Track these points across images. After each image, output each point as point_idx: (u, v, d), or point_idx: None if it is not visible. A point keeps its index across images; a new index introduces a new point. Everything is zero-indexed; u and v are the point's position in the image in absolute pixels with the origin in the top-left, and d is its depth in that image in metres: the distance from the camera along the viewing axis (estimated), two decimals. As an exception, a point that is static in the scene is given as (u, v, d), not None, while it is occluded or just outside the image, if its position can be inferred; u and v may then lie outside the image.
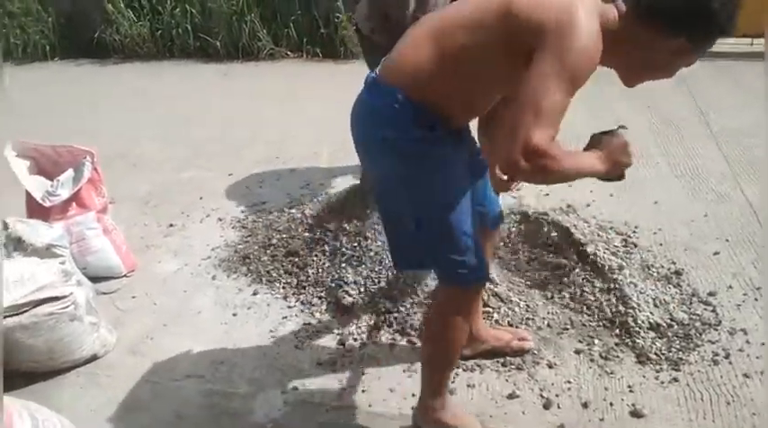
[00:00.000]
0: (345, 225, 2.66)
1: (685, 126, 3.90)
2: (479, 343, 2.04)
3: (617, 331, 2.16)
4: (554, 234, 2.57)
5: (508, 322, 2.23)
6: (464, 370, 2.03)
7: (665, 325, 2.14)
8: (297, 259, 2.61)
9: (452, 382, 1.99)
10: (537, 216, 2.67)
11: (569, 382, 1.98)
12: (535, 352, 2.10)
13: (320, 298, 2.42)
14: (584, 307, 2.27)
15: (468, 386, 1.98)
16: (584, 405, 1.89)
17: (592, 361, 2.06)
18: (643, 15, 1.32)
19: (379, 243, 2.52)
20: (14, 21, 6.46)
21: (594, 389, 1.95)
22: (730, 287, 2.36)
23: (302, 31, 5.97)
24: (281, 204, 3.16)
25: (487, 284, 1.99)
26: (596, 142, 1.44)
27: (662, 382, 1.96)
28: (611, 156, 1.40)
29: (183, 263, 2.78)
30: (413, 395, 1.96)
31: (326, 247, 2.60)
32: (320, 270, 2.53)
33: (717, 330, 2.14)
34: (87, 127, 4.41)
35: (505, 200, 2.32)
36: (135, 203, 3.33)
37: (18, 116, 4.65)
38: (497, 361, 2.06)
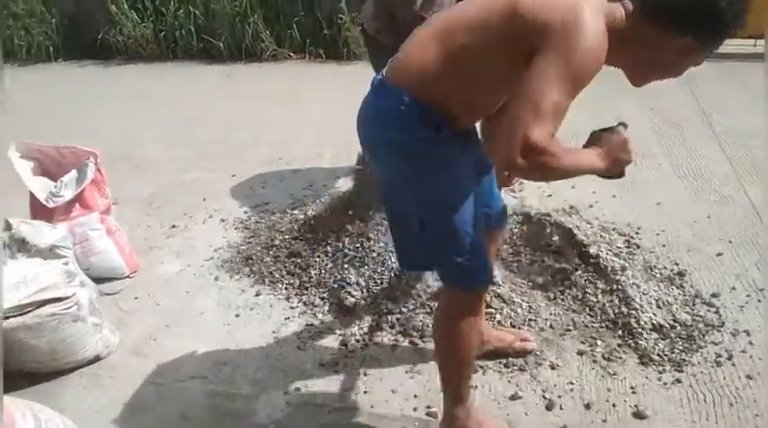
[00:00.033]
0: (348, 226, 2.66)
1: (688, 127, 3.89)
2: (482, 345, 2.04)
3: (620, 332, 2.16)
4: (556, 235, 2.57)
5: (510, 323, 2.23)
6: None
7: (667, 326, 2.13)
8: (299, 260, 2.62)
9: (455, 383, 1.99)
10: (539, 217, 2.67)
11: (572, 383, 1.98)
12: (538, 353, 2.10)
13: (323, 298, 2.43)
14: (587, 309, 2.27)
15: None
16: (587, 407, 1.89)
17: (594, 362, 2.06)
18: (650, 14, 1.32)
19: (382, 244, 2.52)
20: (18, 22, 6.47)
21: (597, 390, 1.95)
22: (733, 288, 2.36)
23: (305, 33, 5.97)
24: (283, 205, 3.16)
25: (490, 285, 1.99)
26: (596, 139, 1.44)
27: (665, 383, 1.96)
28: (611, 153, 1.40)
29: (185, 263, 2.78)
30: (415, 396, 1.96)
31: (329, 248, 2.61)
32: (323, 271, 2.53)
33: (720, 331, 2.14)
34: (91, 128, 4.42)
35: (508, 201, 2.31)
36: (138, 204, 3.34)
37: (21, 117, 4.67)
38: (500, 362, 2.06)
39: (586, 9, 1.25)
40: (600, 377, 2.00)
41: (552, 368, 2.04)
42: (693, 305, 2.25)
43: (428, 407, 1.91)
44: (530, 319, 2.25)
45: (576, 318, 2.24)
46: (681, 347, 2.07)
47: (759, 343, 2.08)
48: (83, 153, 2.63)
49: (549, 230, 2.60)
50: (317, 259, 2.59)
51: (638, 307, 2.19)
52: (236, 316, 2.41)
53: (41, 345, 2.03)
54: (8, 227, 2.29)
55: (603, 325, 2.20)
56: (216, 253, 2.84)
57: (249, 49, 6.04)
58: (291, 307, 2.42)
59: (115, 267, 2.67)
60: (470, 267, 1.54)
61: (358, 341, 2.21)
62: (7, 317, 1.95)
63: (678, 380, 1.96)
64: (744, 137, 3.64)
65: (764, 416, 1.81)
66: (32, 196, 2.57)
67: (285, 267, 2.62)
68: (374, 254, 2.49)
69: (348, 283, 2.41)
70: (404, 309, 2.29)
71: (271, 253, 2.72)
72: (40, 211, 2.55)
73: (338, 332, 2.26)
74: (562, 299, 2.33)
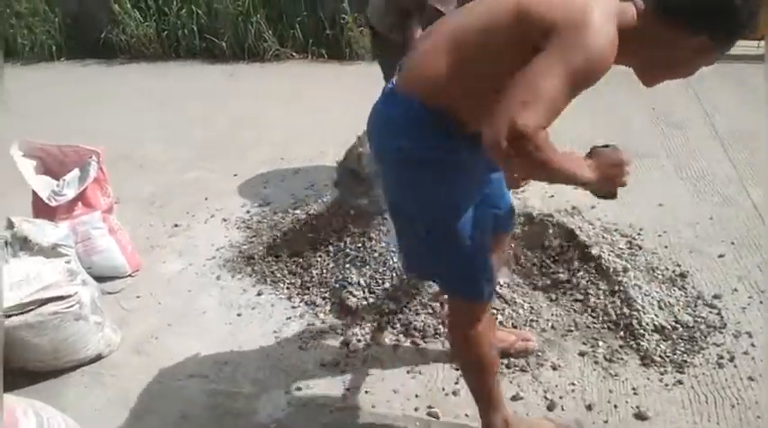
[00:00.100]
0: (350, 226, 2.66)
1: (691, 128, 3.89)
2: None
3: (621, 333, 2.15)
4: (558, 236, 2.57)
5: (512, 324, 2.23)
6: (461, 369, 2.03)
7: (669, 327, 2.13)
8: (301, 260, 2.62)
9: (456, 383, 1.99)
10: (542, 217, 2.67)
11: (573, 384, 1.98)
12: (539, 353, 2.10)
13: (324, 298, 2.43)
14: (589, 310, 2.27)
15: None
16: (589, 408, 1.89)
17: (596, 363, 2.06)
18: (663, 13, 1.30)
19: (383, 244, 2.52)
20: (22, 21, 6.48)
21: (599, 391, 1.95)
22: (735, 290, 2.35)
23: (308, 32, 5.97)
24: (285, 205, 3.17)
25: (492, 296, 1.94)
26: (593, 154, 1.41)
27: (666, 385, 1.95)
28: (603, 168, 1.36)
29: (187, 263, 2.78)
30: (416, 396, 1.96)
31: (331, 248, 2.61)
32: (324, 270, 2.53)
33: (722, 333, 2.14)
34: (93, 127, 4.42)
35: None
36: (140, 203, 3.34)
37: (24, 116, 4.68)
38: (501, 363, 2.05)
39: (596, 9, 1.23)
40: (601, 378, 2.00)
41: (554, 368, 2.04)
42: (695, 306, 2.25)
43: (429, 407, 1.91)
44: (531, 320, 2.25)
45: (578, 319, 2.24)
46: (682, 348, 2.07)
47: (761, 345, 2.07)
48: (85, 152, 2.63)
49: (551, 231, 2.59)
50: (319, 259, 2.59)
51: (639, 308, 2.19)
52: (238, 315, 2.41)
53: (43, 344, 2.03)
54: (11, 225, 2.30)
55: (605, 326, 2.20)
56: (218, 252, 2.84)
57: (252, 48, 6.04)
58: (293, 307, 2.42)
59: (117, 266, 2.67)
60: (472, 277, 1.54)
61: (359, 341, 2.21)
62: (9, 316, 1.95)
63: (680, 382, 1.96)
64: (746, 138, 3.63)
65: (766, 418, 1.81)
66: (35, 195, 2.57)
67: (287, 267, 2.62)
68: (376, 254, 2.49)
69: (350, 283, 2.41)
70: (405, 310, 2.29)
71: (272, 252, 2.72)
72: (42, 210, 2.56)
73: (340, 332, 2.26)
74: (564, 300, 2.33)
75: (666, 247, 2.64)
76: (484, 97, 1.43)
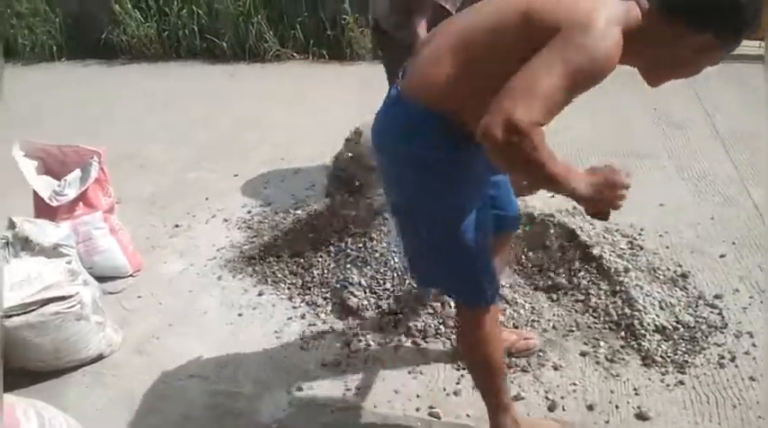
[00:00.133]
0: (350, 226, 2.66)
1: (692, 128, 3.89)
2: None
3: (622, 333, 2.15)
4: (559, 236, 2.57)
5: (513, 324, 2.23)
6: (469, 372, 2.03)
7: (670, 327, 2.13)
8: (302, 260, 2.62)
9: (457, 383, 1.99)
10: (543, 217, 2.67)
11: (575, 384, 1.98)
12: (540, 354, 2.10)
13: (325, 299, 2.43)
14: (590, 310, 2.27)
15: (474, 387, 1.97)
16: (590, 408, 1.89)
17: (597, 363, 2.06)
18: (668, 13, 1.29)
19: (384, 244, 2.52)
20: (22, 21, 6.48)
21: (600, 392, 1.95)
22: (737, 290, 2.35)
23: (309, 33, 5.98)
24: (286, 205, 3.17)
25: (493, 302, 1.92)
26: (591, 171, 1.37)
27: (668, 385, 1.95)
28: (596, 185, 1.31)
29: (188, 263, 2.78)
30: (417, 396, 1.96)
31: (331, 248, 2.61)
32: (325, 271, 2.53)
33: (723, 333, 2.14)
34: (94, 127, 4.43)
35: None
36: (141, 204, 3.34)
37: (25, 116, 4.68)
38: (503, 363, 2.06)
39: (602, 12, 1.23)
40: (603, 378, 2.00)
41: (555, 369, 2.04)
42: (696, 306, 2.25)
43: (431, 408, 1.91)
44: (532, 320, 2.25)
45: (579, 319, 2.24)
46: (684, 349, 2.07)
47: (762, 345, 2.07)
48: (86, 152, 2.63)
49: (552, 231, 2.59)
50: (320, 259, 2.59)
51: (641, 308, 2.19)
52: (239, 315, 2.41)
53: (45, 344, 2.03)
54: (12, 225, 2.30)
55: (606, 326, 2.20)
56: (219, 252, 2.84)
57: (252, 49, 6.04)
58: (294, 307, 2.42)
59: (118, 266, 2.67)
60: (475, 280, 1.53)
61: (360, 341, 2.21)
62: (11, 316, 1.95)
63: (681, 382, 1.96)
64: (748, 138, 3.63)
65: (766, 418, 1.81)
66: (36, 195, 2.57)
67: (288, 267, 2.62)
68: (377, 255, 2.49)
69: (351, 283, 2.41)
70: (406, 310, 2.29)
71: (273, 253, 2.72)
72: (43, 210, 2.56)
73: (341, 332, 2.26)
74: (565, 300, 2.33)
75: (668, 247, 2.64)
76: (489, 97, 1.42)
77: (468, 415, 1.89)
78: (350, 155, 2.73)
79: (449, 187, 1.45)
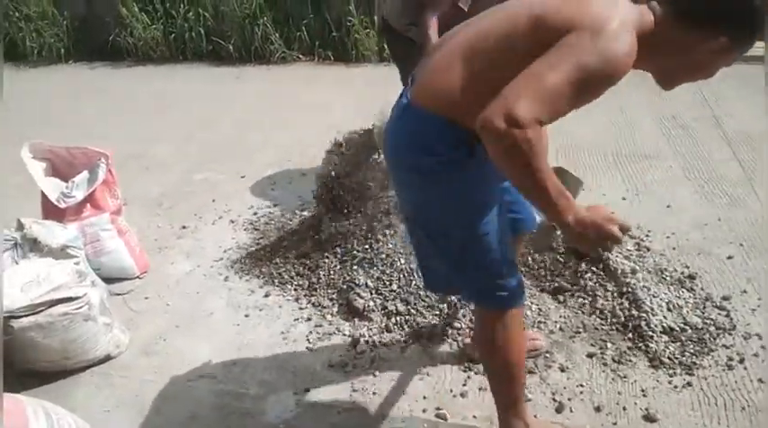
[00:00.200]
0: (356, 227, 2.66)
1: (698, 128, 3.87)
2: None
3: (630, 335, 2.15)
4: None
5: (520, 325, 2.22)
6: (476, 373, 2.03)
7: (678, 329, 2.12)
8: (308, 261, 2.62)
9: (464, 384, 1.99)
10: (549, 219, 2.66)
11: (582, 386, 1.97)
12: (547, 355, 2.09)
13: (332, 300, 2.43)
14: (597, 311, 2.26)
15: (480, 389, 1.97)
16: (597, 409, 1.88)
17: (604, 364, 2.05)
18: (682, 17, 1.29)
19: (390, 245, 2.52)
20: (30, 24, 6.53)
21: (607, 393, 1.94)
22: (744, 291, 2.34)
23: (314, 35, 5.99)
24: (292, 206, 3.17)
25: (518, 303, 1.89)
26: (589, 208, 1.32)
27: (675, 386, 1.95)
28: (585, 223, 1.25)
29: (195, 264, 2.79)
30: (424, 397, 1.96)
31: (338, 249, 2.61)
32: (331, 272, 2.53)
33: (731, 335, 2.13)
34: (101, 129, 4.45)
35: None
36: (148, 205, 3.36)
37: (33, 118, 4.71)
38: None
39: (616, 17, 1.22)
40: (610, 380, 1.99)
41: (562, 370, 2.04)
42: (704, 308, 2.24)
43: (437, 409, 1.91)
44: (539, 322, 2.24)
45: (586, 321, 2.23)
46: (692, 350, 2.06)
47: (771, 347, 2.07)
48: (94, 154, 2.65)
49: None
50: (326, 260, 2.59)
51: (648, 309, 2.19)
52: (246, 316, 2.42)
53: (53, 344, 2.04)
54: (20, 227, 2.32)
55: (613, 327, 2.19)
56: (225, 253, 2.85)
57: (258, 51, 6.07)
58: (300, 308, 2.42)
59: (125, 267, 2.68)
60: (497, 285, 1.51)
61: (367, 342, 2.21)
62: (19, 317, 1.97)
63: (689, 384, 1.95)
64: (754, 139, 3.61)
65: (775, 420, 1.80)
66: (44, 196, 2.59)
67: (294, 268, 2.63)
68: (383, 256, 2.49)
69: (357, 284, 2.41)
70: (413, 311, 2.29)
71: (280, 254, 2.72)
72: (51, 212, 2.57)
73: (347, 333, 2.27)
74: (572, 302, 2.32)
75: (675, 249, 2.63)
76: None
77: (474, 417, 1.88)
78: (333, 173, 2.67)
79: (462, 193, 1.44)
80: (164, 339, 2.33)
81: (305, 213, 3.03)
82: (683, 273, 2.43)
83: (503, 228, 1.52)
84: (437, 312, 2.27)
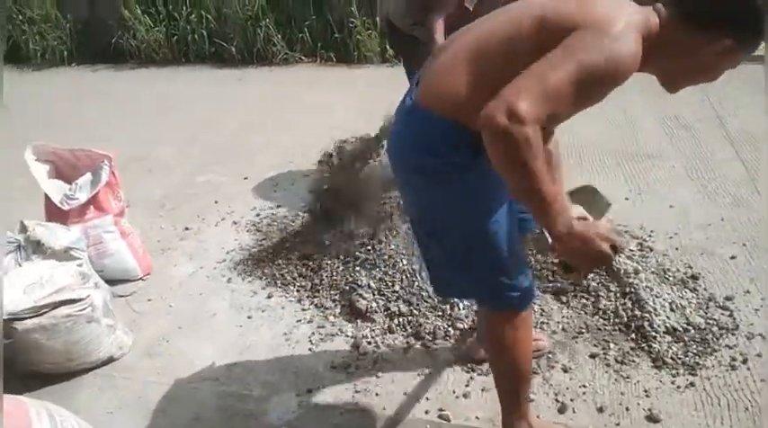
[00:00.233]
0: (359, 228, 2.66)
1: (701, 128, 3.87)
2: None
3: (633, 335, 2.14)
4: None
5: (522, 326, 2.22)
6: (478, 374, 2.03)
7: (681, 329, 2.12)
8: (311, 262, 2.62)
9: (467, 385, 1.99)
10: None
11: (584, 386, 1.97)
12: (550, 356, 2.09)
13: (334, 301, 2.43)
14: (600, 312, 2.26)
15: (483, 390, 1.97)
16: (600, 410, 1.88)
17: (607, 365, 2.05)
18: (688, 20, 1.28)
19: (393, 246, 2.52)
20: (34, 27, 6.56)
21: (610, 394, 1.94)
22: (748, 291, 2.34)
23: (316, 36, 6.01)
24: (295, 208, 3.18)
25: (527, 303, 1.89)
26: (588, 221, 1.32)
27: (678, 387, 1.94)
28: (578, 233, 1.25)
29: (198, 266, 2.80)
30: (426, 398, 1.96)
31: (340, 251, 2.61)
32: (334, 273, 2.53)
33: (734, 335, 2.12)
34: (104, 131, 4.47)
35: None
36: (151, 207, 3.36)
37: (36, 120, 4.72)
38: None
39: (620, 17, 1.22)
40: (613, 380, 1.99)
41: (565, 371, 2.04)
42: (707, 308, 2.23)
43: (440, 410, 1.91)
44: (542, 322, 2.24)
45: (589, 321, 2.23)
46: (695, 350, 2.06)
47: (774, 347, 2.06)
48: (97, 156, 2.65)
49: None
50: (329, 261, 2.59)
51: (651, 310, 2.18)
52: (249, 318, 2.42)
53: (56, 346, 2.05)
54: (24, 229, 2.32)
55: (616, 328, 2.19)
56: (228, 255, 2.85)
57: (260, 52, 6.08)
58: (303, 310, 2.43)
59: (128, 269, 2.69)
60: (517, 286, 1.51)
61: (370, 343, 2.21)
62: (23, 318, 1.97)
63: (692, 384, 1.94)
64: (758, 138, 3.61)
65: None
66: (47, 198, 2.59)
67: (297, 269, 2.63)
68: (385, 257, 2.49)
69: (359, 286, 2.41)
70: (415, 312, 2.29)
71: (282, 255, 2.73)
72: (54, 214, 2.58)
73: (350, 334, 2.27)
74: (574, 302, 2.32)
75: (678, 249, 2.62)
76: None
77: (477, 418, 1.88)
78: (325, 187, 2.66)
79: (466, 193, 1.43)
80: (167, 340, 2.33)
81: (307, 214, 3.02)
82: (685, 273, 2.42)
83: (512, 228, 1.51)
84: (440, 313, 2.27)
